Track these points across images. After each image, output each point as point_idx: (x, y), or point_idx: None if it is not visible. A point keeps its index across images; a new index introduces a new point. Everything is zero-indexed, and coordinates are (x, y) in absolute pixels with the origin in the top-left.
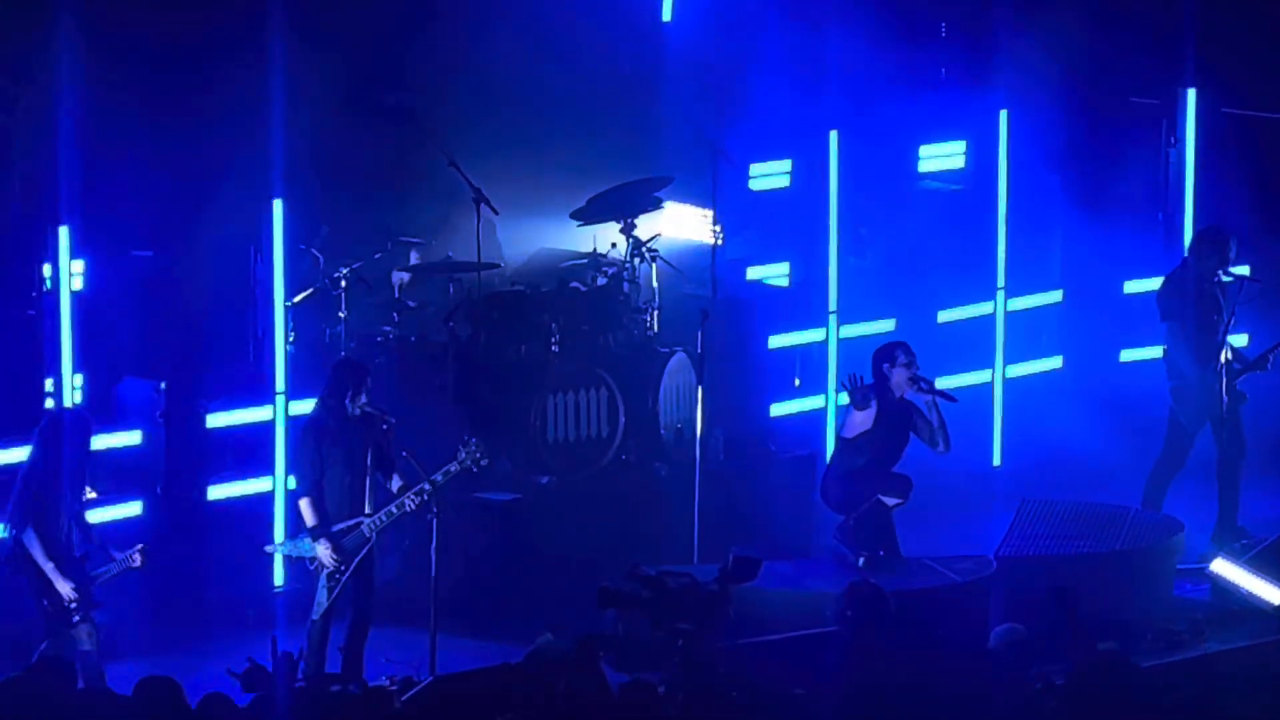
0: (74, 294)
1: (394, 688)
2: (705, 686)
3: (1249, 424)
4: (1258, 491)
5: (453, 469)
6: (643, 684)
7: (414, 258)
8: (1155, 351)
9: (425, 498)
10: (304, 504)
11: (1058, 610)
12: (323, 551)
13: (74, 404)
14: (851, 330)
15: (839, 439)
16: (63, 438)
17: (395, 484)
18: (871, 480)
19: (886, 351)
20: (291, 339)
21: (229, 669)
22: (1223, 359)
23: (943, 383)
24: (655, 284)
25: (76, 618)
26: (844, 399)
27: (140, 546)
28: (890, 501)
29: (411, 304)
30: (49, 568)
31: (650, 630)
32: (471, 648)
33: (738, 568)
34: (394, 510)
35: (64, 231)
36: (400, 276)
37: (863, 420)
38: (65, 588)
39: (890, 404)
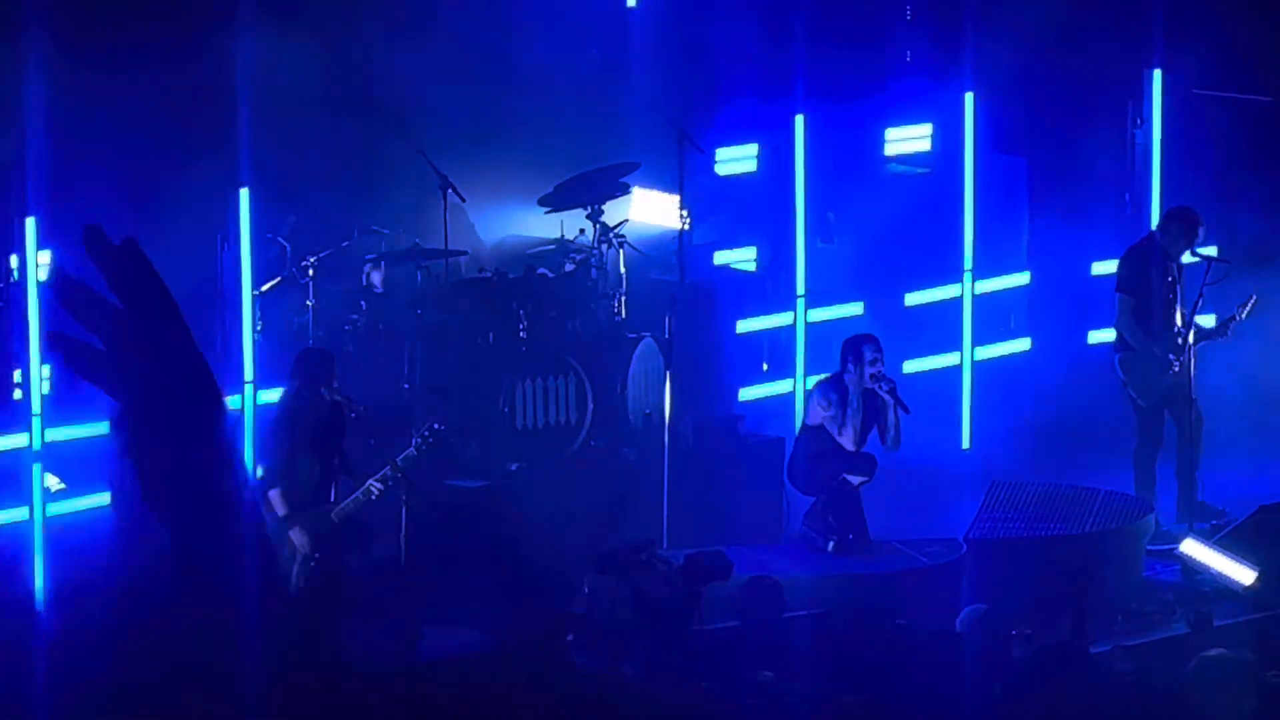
0: (41, 285)
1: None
2: (674, 675)
3: (1217, 401)
4: (1229, 470)
5: (410, 454)
6: (613, 671)
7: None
8: None
9: (390, 484)
10: (274, 494)
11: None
12: (297, 539)
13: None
14: (820, 314)
15: (804, 424)
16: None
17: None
18: (836, 461)
19: (854, 346)
20: (259, 328)
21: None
22: (1191, 339)
23: (910, 366)
24: (623, 269)
25: None
26: (811, 383)
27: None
28: (855, 480)
29: (378, 291)
30: None
31: (621, 612)
32: (440, 635)
33: (710, 571)
34: (360, 497)
35: (31, 222)
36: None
37: (824, 412)
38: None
39: (854, 392)
